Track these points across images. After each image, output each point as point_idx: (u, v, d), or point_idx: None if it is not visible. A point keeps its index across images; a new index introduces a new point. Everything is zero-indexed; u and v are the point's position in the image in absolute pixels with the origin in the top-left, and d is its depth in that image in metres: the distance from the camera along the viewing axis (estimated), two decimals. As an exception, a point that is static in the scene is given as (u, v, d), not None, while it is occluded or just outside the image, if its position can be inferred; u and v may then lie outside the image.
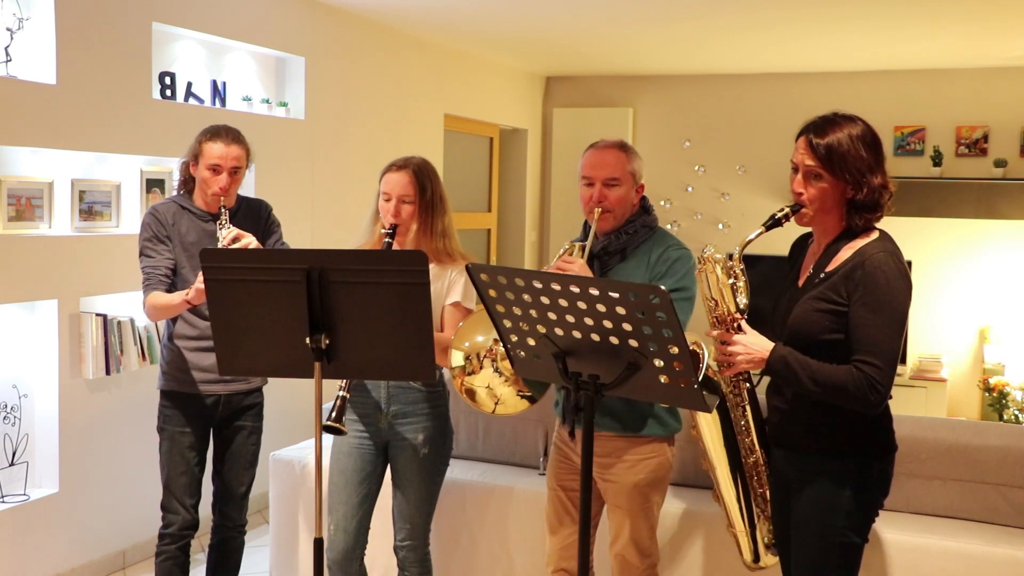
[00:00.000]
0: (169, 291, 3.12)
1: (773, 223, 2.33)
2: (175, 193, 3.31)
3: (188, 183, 3.26)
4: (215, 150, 3.14)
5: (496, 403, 2.68)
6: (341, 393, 2.66)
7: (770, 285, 2.56)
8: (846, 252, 2.29)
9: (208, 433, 3.27)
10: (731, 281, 2.34)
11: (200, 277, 2.91)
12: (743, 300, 2.35)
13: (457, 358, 2.69)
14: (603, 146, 2.81)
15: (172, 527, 3.19)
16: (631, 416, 2.73)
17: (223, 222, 3.10)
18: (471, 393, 2.68)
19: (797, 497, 2.37)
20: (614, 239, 2.78)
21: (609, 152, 2.78)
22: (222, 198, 3.14)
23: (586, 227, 2.85)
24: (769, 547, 2.60)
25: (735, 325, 2.32)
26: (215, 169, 3.14)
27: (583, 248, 2.73)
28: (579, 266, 2.64)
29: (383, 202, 2.90)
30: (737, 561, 2.78)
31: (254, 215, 3.31)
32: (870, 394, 2.18)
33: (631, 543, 2.79)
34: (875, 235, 2.30)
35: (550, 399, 3.00)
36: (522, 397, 2.69)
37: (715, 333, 2.35)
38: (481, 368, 2.66)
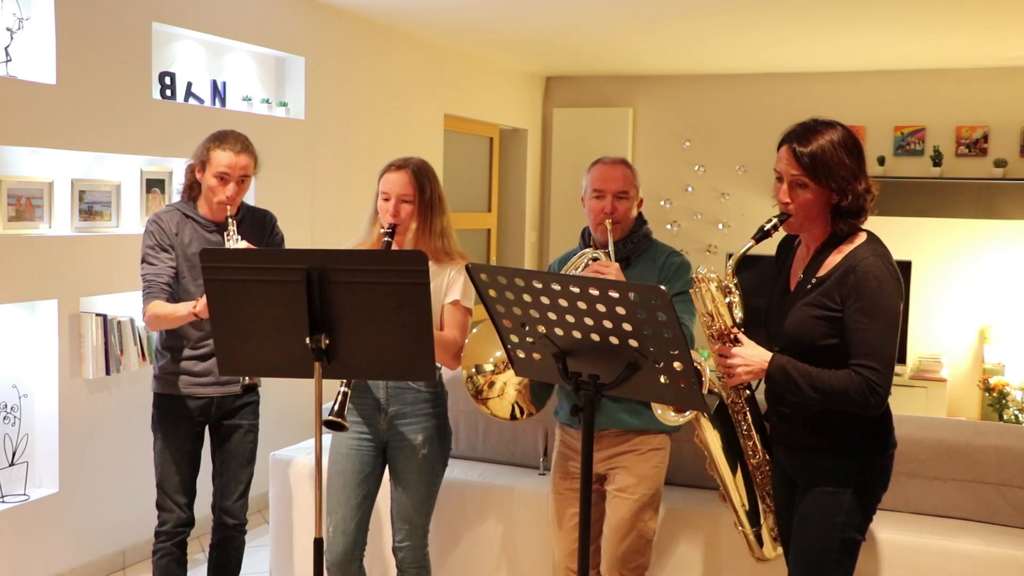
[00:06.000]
0: (170, 301, 3.09)
1: (762, 235, 2.38)
2: (179, 199, 3.26)
3: (193, 189, 3.22)
4: (223, 159, 3.09)
5: (498, 396, 2.77)
6: (342, 388, 2.66)
7: (767, 286, 2.59)
8: (835, 257, 2.32)
9: (202, 432, 3.26)
10: (728, 299, 2.39)
11: None
12: (738, 313, 2.40)
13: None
14: (611, 162, 2.98)
15: (167, 525, 3.20)
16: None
17: (230, 232, 3.07)
18: (490, 384, 2.77)
19: (800, 494, 2.40)
20: (620, 247, 2.93)
21: (618, 167, 2.96)
22: (228, 207, 3.10)
23: (585, 237, 3.03)
24: (776, 539, 2.65)
25: (732, 338, 2.36)
26: (223, 178, 3.10)
27: (608, 255, 2.87)
28: (615, 269, 2.76)
29: (382, 202, 2.91)
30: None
31: (259, 225, 3.28)
32: (870, 397, 2.22)
33: (633, 533, 2.85)
34: (863, 238, 2.33)
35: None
36: (511, 409, 2.77)
37: (715, 347, 2.39)
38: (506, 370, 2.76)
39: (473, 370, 2.76)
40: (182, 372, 3.16)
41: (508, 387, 2.75)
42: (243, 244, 3.04)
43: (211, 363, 3.14)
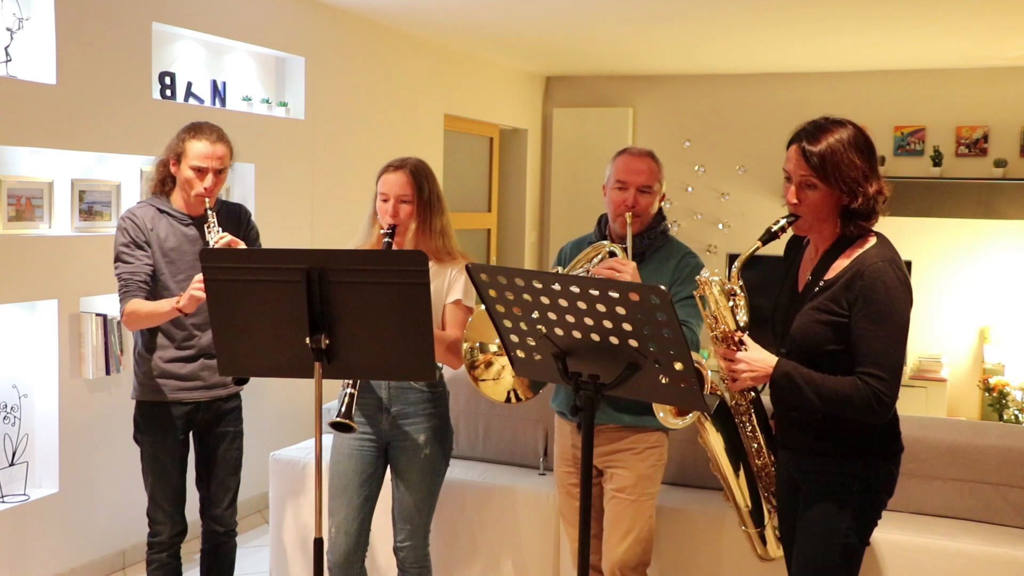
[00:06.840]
0: (148, 299, 2.98)
1: (769, 236, 2.32)
2: (151, 195, 3.13)
3: (166, 183, 3.10)
4: (199, 149, 3.01)
5: (494, 379, 2.75)
6: (349, 390, 2.65)
7: (770, 285, 2.56)
8: (843, 260, 2.26)
9: (187, 438, 3.17)
10: (731, 303, 2.34)
11: (193, 283, 2.83)
12: (743, 317, 2.35)
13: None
14: (637, 153, 2.92)
15: (162, 535, 3.13)
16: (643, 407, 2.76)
17: (211, 224, 2.97)
18: (488, 364, 2.75)
19: (804, 498, 2.37)
20: (637, 242, 2.87)
21: (643, 160, 2.90)
22: (207, 199, 3.01)
23: (601, 226, 2.98)
24: (780, 539, 2.62)
25: (737, 341, 2.32)
26: (200, 169, 3.01)
27: (624, 249, 2.81)
28: (632, 269, 2.69)
29: (381, 203, 2.90)
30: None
31: (234, 220, 3.18)
32: (876, 406, 2.18)
33: (633, 532, 2.84)
34: (872, 241, 2.27)
35: (544, 399, 3.02)
36: (507, 394, 2.75)
37: (720, 351, 2.35)
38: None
39: (477, 345, 2.71)
40: (167, 376, 3.06)
41: (506, 371, 2.71)
42: (226, 237, 2.93)
43: (197, 365, 3.08)
